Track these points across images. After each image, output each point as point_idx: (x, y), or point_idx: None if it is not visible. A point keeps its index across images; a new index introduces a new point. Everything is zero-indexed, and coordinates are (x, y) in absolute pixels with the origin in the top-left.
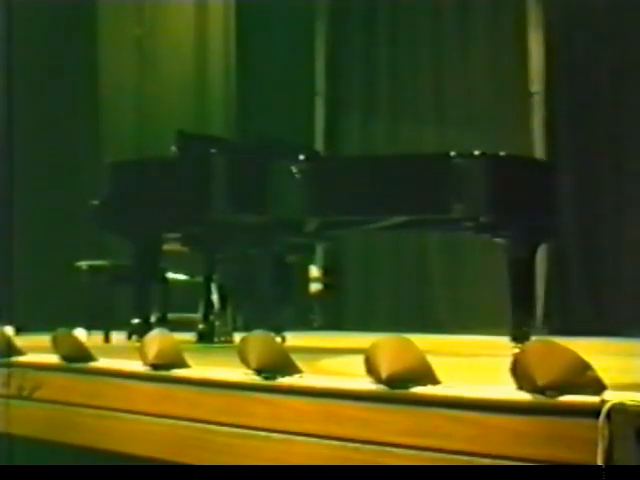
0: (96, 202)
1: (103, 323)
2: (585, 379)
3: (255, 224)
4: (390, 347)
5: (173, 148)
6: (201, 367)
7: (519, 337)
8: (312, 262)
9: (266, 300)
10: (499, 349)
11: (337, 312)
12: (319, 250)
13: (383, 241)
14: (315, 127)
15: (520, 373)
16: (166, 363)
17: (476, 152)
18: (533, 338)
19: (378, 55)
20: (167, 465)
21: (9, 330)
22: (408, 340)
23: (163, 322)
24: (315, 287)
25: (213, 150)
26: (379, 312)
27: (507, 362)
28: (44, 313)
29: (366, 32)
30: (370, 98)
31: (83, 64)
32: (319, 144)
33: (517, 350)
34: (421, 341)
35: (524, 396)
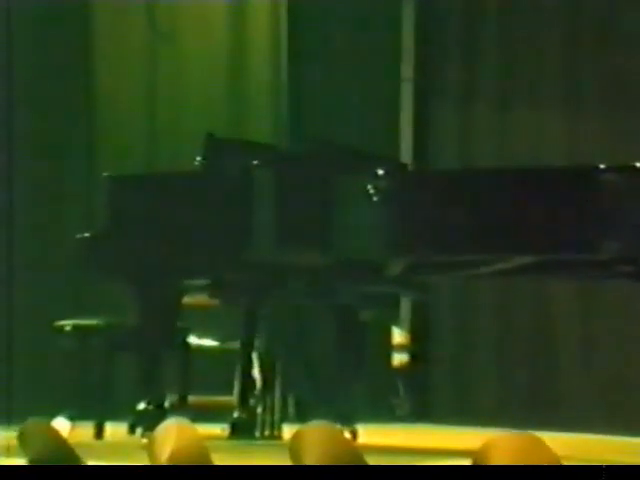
0: (87, 234)
1: (94, 409)
2: None
3: (313, 266)
4: (513, 447)
5: (199, 158)
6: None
7: None
8: (395, 322)
9: (329, 376)
10: None
11: (428, 395)
12: (405, 305)
13: (490, 293)
14: (400, 126)
15: None
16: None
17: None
18: None
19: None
20: (167, 465)
21: None
22: (538, 439)
23: (182, 407)
24: (399, 358)
25: (255, 161)
26: (483, 397)
27: None
28: (8, 396)
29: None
30: (471, 85)
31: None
32: (405, 150)
33: None
34: (552, 440)
35: None
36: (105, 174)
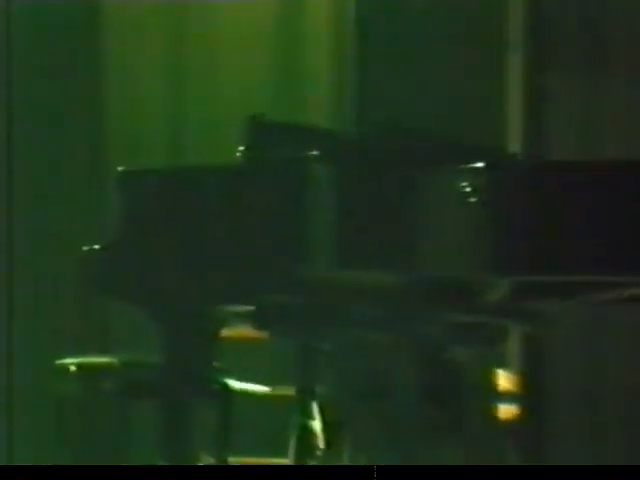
0: (97, 246)
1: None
2: None
3: (388, 288)
4: None
5: (242, 148)
6: None
7: None
8: (498, 362)
9: (413, 431)
10: None
11: (544, 455)
12: (512, 340)
13: (624, 326)
14: (505, 106)
15: None
16: None
17: None
18: None
19: None
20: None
21: None
22: None
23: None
24: (505, 409)
25: (314, 151)
26: (615, 453)
27: None
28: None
29: None
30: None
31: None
32: (513, 137)
33: None
34: None
35: None
36: (119, 169)
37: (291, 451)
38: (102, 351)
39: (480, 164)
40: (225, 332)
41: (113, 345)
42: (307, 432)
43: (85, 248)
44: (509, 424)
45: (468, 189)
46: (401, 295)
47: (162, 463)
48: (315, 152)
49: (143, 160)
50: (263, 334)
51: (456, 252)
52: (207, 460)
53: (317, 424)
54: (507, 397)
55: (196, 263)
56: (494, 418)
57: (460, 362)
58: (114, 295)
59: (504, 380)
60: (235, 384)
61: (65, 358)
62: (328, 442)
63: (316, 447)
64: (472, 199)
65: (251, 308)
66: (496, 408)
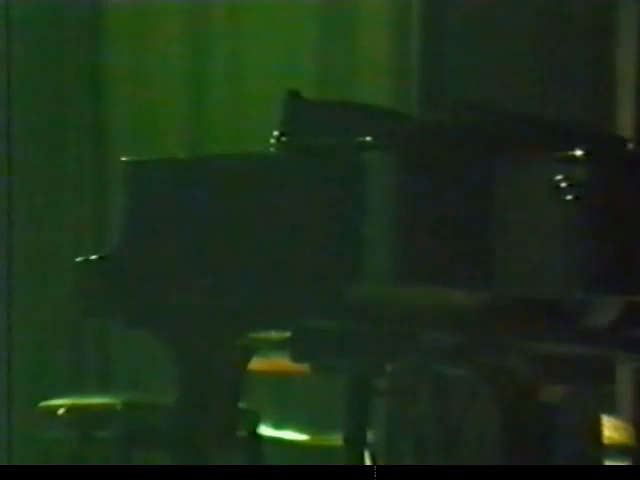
0: (93, 257)
1: None
2: None
3: (459, 309)
4: None
5: (277, 133)
6: None
7: None
8: (605, 406)
9: None
10: None
11: None
12: (622, 377)
13: None
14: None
15: None
16: None
17: None
18: None
19: None
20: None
21: None
22: None
23: None
24: (614, 464)
25: (369, 137)
26: None
27: None
28: None
29: None
30: None
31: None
32: (623, 118)
33: None
34: None
35: None
36: (124, 159)
37: None
38: (101, 390)
39: (579, 152)
40: (255, 364)
41: (114, 383)
42: None
43: (79, 259)
44: None
45: (563, 184)
46: (476, 319)
47: None
48: (368, 138)
49: (157, 149)
50: (302, 367)
51: (547, 264)
52: None
53: None
54: (615, 450)
55: (220, 279)
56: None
57: (553, 405)
58: (115, 318)
59: (611, 428)
60: (267, 430)
61: (54, 399)
62: None
63: None
64: (568, 196)
65: (287, 334)
66: (600, 459)
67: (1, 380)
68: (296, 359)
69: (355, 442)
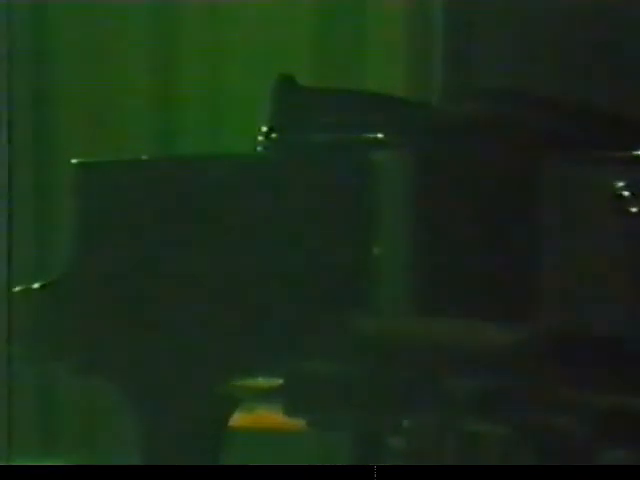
0: (35, 285)
1: None
2: None
3: (494, 348)
4: None
5: (265, 129)
6: None
7: None
8: None
9: None
10: None
11: None
12: None
13: None
14: None
15: None
16: None
17: None
18: None
19: None
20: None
21: None
22: None
23: None
24: None
25: (380, 134)
26: None
27: None
28: None
29: None
30: None
31: None
32: None
33: None
34: None
35: None
36: (74, 161)
37: None
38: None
39: None
40: (239, 419)
41: (68, 442)
42: None
43: (16, 289)
44: None
45: (626, 192)
46: (512, 361)
47: None
48: (379, 135)
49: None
50: (296, 421)
51: (605, 293)
52: None
53: None
54: None
55: (195, 310)
56: None
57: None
58: (61, 362)
59: None
60: None
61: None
62: None
63: None
64: (633, 208)
65: (278, 381)
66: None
67: None
68: (289, 412)
69: None
